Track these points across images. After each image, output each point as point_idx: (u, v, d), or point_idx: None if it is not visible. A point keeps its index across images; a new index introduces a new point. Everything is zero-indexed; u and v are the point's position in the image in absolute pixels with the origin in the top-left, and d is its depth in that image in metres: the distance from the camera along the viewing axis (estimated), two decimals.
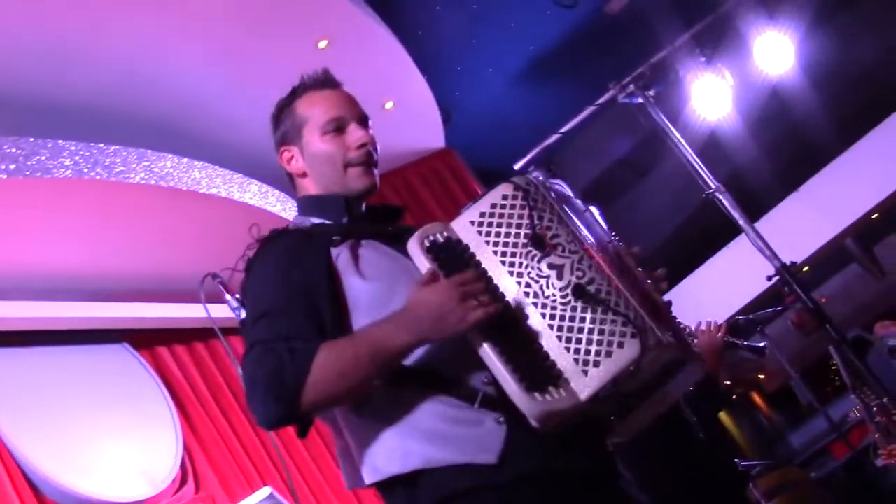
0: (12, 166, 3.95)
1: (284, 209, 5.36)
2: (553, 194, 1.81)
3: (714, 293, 7.45)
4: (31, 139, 4.03)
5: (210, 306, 2.56)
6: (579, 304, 1.66)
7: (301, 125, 2.02)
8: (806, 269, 7.35)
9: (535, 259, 1.71)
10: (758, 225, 4.56)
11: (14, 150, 3.97)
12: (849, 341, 3.87)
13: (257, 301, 1.82)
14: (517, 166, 5.92)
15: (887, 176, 7.73)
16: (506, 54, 6.71)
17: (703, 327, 3.33)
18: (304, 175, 2.02)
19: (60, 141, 4.11)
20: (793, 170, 8.04)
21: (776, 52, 5.06)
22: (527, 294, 1.70)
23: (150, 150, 4.47)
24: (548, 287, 1.69)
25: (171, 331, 5.30)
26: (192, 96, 5.04)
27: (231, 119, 5.32)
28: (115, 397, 4.70)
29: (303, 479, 5.20)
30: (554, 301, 1.68)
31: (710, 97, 4.88)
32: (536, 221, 1.73)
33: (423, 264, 1.73)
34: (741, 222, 4.27)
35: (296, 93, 2.06)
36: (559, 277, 1.69)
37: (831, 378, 10.22)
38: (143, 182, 4.39)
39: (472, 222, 1.77)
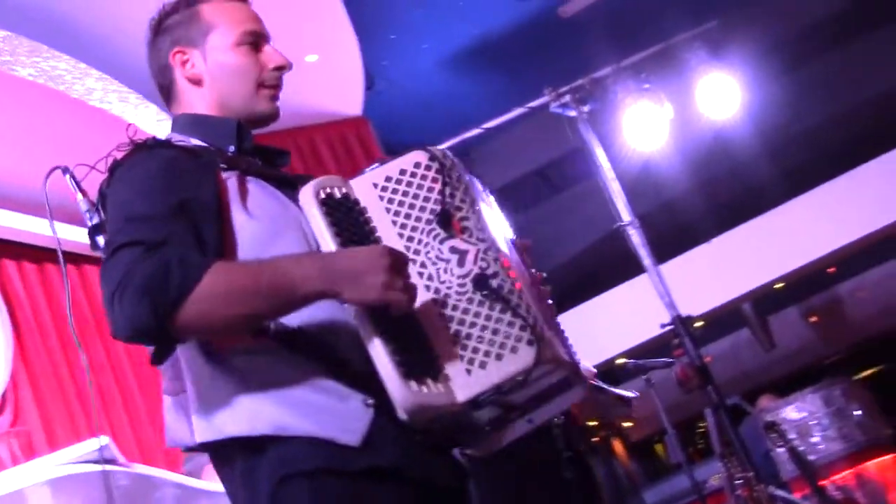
0: None
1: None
2: (468, 177, 1.77)
3: (604, 327, 7.64)
4: None
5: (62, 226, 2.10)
6: (477, 297, 1.61)
7: (208, 29, 1.89)
8: (700, 324, 7.66)
9: (438, 239, 1.66)
10: (663, 268, 4.73)
11: None
12: (727, 407, 4.07)
13: (127, 205, 1.67)
14: None
15: (798, 248, 8.09)
16: (446, 32, 6.74)
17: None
18: (198, 83, 1.89)
19: None
20: (717, 217, 8.29)
21: (722, 95, 5.24)
22: (420, 275, 1.65)
23: (45, 46, 4.39)
24: (445, 272, 1.64)
25: (22, 245, 5.21)
26: None
27: (135, 29, 5.22)
28: None
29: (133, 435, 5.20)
30: (449, 288, 1.63)
31: (646, 126, 5.03)
32: (448, 199, 1.68)
33: (315, 218, 1.65)
34: (646, 262, 4.41)
35: None
36: (460, 264, 1.64)
37: (695, 440, 10.68)
38: (30, 78, 4.32)
39: (376, 185, 1.71)
